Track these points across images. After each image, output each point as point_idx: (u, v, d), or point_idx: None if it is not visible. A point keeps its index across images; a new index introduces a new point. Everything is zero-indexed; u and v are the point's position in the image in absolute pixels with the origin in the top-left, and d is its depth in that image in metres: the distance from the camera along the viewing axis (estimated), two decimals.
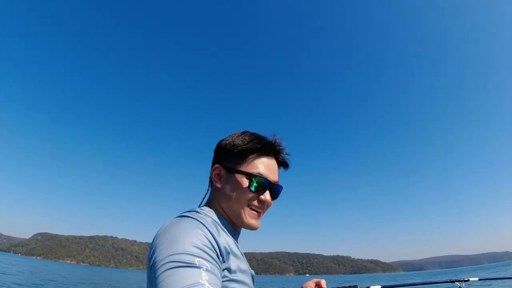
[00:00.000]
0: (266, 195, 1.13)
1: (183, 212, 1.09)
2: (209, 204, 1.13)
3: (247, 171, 1.13)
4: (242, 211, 1.13)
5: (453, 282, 1.65)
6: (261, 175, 1.13)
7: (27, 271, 36.36)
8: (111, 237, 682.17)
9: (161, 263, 0.95)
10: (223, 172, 1.14)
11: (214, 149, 1.20)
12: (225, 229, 1.08)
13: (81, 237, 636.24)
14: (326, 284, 1.21)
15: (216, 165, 1.14)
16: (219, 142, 1.17)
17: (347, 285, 1.34)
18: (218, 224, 1.07)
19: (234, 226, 1.13)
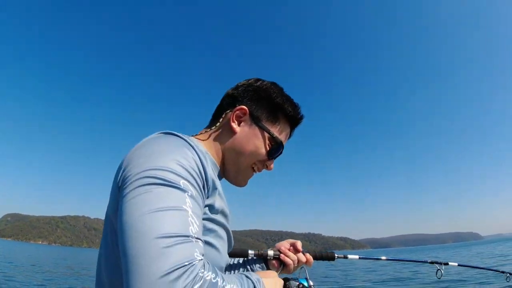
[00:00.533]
0: (272, 164, 1.07)
1: (158, 134, 0.87)
2: (208, 138, 1.01)
3: (274, 134, 1.03)
4: (245, 167, 1.03)
5: (432, 263, 1.53)
6: (282, 144, 1.04)
7: None
8: (83, 217, 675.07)
9: (134, 178, 0.70)
10: (246, 117, 1.02)
11: (243, 83, 1.07)
12: (213, 167, 0.93)
13: (52, 218, 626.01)
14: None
15: (243, 107, 1.00)
16: (256, 81, 1.07)
17: (324, 252, 1.27)
18: (207, 156, 0.92)
19: (222, 173, 1.03)
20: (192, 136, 1.02)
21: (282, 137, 1.06)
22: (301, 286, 1.00)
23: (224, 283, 0.67)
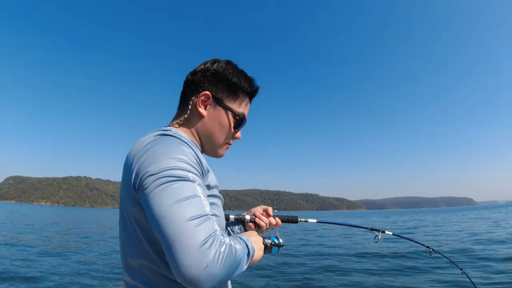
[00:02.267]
0: (240, 134, 1.23)
1: (158, 130, 1.04)
2: (183, 125, 1.15)
3: (236, 110, 1.16)
4: (219, 145, 1.19)
5: (372, 230, 1.82)
6: (245, 116, 1.19)
7: (2, 216, 37.39)
8: (85, 177, 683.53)
9: (153, 179, 0.86)
10: (210, 101, 1.13)
11: (201, 68, 1.17)
12: (199, 149, 1.05)
13: (54, 179, 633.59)
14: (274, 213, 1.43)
15: (206, 92, 1.12)
16: (212, 64, 1.17)
17: (290, 216, 1.50)
18: (195, 144, 1.04)
19: (202, 150, 1.19)
20: (169, 125, 1.17)
21: (243, 110, 1.20)
22: (273, 242, 1.22)
23: (234, 243, 0.89)
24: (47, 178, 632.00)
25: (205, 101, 1.13)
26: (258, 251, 1.08)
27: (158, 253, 0.94)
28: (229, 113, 1.16)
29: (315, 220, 1.62)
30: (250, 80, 1.21)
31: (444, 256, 2.16)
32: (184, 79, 1.21)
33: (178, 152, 0.92)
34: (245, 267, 0.94)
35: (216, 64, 1.18)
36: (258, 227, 1.41)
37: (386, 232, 1.84)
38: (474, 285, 2.27)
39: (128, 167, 0.97)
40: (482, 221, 26.43)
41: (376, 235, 1.77)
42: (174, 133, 1.00)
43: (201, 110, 1.13)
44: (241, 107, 1.20)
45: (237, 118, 1.18)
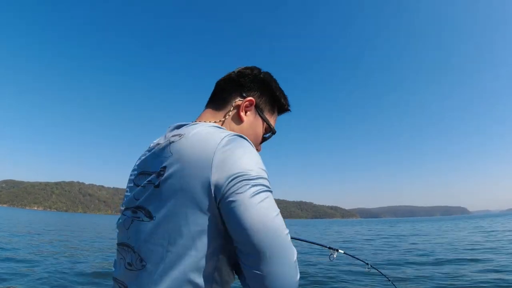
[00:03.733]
0: (261, 146, 1.22)
1: (214, 127, 0.95)
2: (224, 124, 1.10)
3: (271, 124, 1.18)
4: None
5: (330, 248, 1.91)
6: (275, 132, 1.21)
7: None
8: (78, 182, 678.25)
9: (250, 185, 0.82)
10: (252, 108, 1.12)
11: (248, 72, 1.15)
12: None
13: (47, 183, 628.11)
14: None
15: (252, 99, 1.11)
16: (259, 72, 1.16)
17: None
18: None
19: None
20: (206, 121, 1.09)
21: (274, 123, 1.22)
22: None
23: None
24: (40, 183, 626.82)
25: (248, 107, 1.12)
26: None
27: (211, 265, 0.86)
28: (265, 124, 1.16)
29: (293, 238, 1.64)
30: (287, 99, 1.24)
31: (381, 273, 2.40)
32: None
33: (258, 157, 0.90)
34: None
35: (263, 73, 1.18)
36: None
37: (340, 250, 1.99)
38: None
39: (200, 165, 0.84)
40: (471, 232, 26.65)
41: (331, 254, 1.94)
42: (247, 138, 0.94)
43: (243, 114, 1.11)
44: (273, 120, 1.21)
45: (270, 131, 1.19)
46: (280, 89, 1.21)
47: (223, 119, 1.10)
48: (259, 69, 1.19)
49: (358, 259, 2.35)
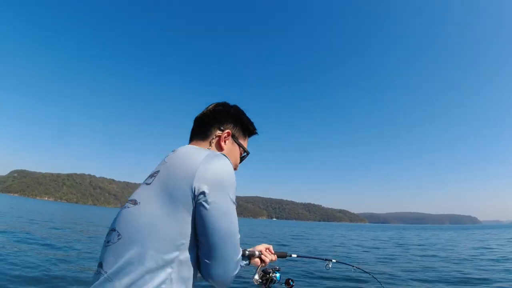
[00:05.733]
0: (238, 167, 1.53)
1: (206, 150, 1.23)
2: (207, 146, 1.38)
3: (245, 147, 1.49)
4: None
5: (326, 260, 2.22)
6: (248, 153, 1.53)
7: (6, 208, 37.51)
8: (89, 175, 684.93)
9: (222, 195, 1.09)
10: (229, 137, 1.41)
11: (220, 108, 1.44)
12: None
13: (58, 175, 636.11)
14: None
15: (229, 131, 1.41)
16: (230, 108, 1.47)
17: (282, 252, 1.92)
18: None
19: None
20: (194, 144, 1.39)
21: (246, 145, 1.52)
22: (274, 275, 1.75)
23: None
24: (51, 174, 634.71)
25: (226, 137, 1.40)
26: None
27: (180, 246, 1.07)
28: (240, 148, 1.47)
29: (295, 255, 2.01)
30: (253, 125, 1.55)
31: (363, 270, 2.60)
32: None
33: (234, 174, 1.15)
34: None
35: (233, 108, 1.48)
36: (262, 262, 1.74)
37: (333, 260, 2.26)
38: None
39: (183, 176, 1.08)
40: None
41: (327, 264, 2.21)
42: (225, 155, 1.22)
43: (223, 144, 1.39)
44: (246, 143, 1.52)
45: (245, 153, 1.51)
46: (247, 118, 1.52)
47: (209, 147, 1.38)
48: (228, 105, 1.48)
49: (345, 263, 2.59)
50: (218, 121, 1.41)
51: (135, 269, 1.00)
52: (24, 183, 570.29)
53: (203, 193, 1.05)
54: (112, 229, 1.12)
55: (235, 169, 1.47)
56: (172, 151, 1.26)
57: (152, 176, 1.17)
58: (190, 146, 1.28)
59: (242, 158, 1.52)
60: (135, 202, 1.11)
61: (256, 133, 1.57)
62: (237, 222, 1.13)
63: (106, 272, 1.02)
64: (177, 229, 1.05)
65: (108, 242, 1.09)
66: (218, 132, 1.39)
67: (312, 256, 2.32)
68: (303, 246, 20.36)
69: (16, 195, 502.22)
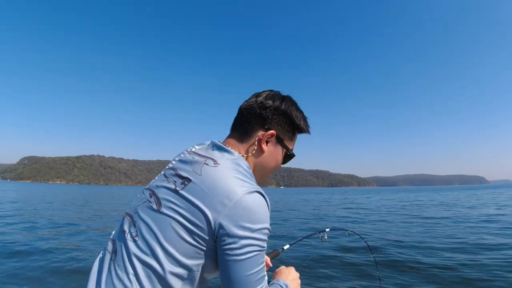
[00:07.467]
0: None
1: (233, 163, 1.07)
2: (245, 156, 1.19)
3: (290, 149, 1.27)
4: (268, 176, 1.30)
5: (319, 232, 2.10)
6: (294, 156, 1.31)
7: (21, 196, 36.25)
8: (98, 156, 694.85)
9: (250, 238, 0.94)
10: (273, 139, 1.21)
11: (270, 104, 1.21)
12: None
13: (68, 158, 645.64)
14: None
15: (273, 132, 1.19)
16: (281, 103, 1.23)
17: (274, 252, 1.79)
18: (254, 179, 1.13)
19: None
20: (231, 149, 1.17)
21: (293, 146, 1.31)
22: None
23: None
24: (61, 158, 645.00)
25: (269, 138, 1.20)
26: (297, 286, 1.27)
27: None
28: (284, 150, 1.26)
29: (288, 245, 1.96)
30: (307, 122, 1.31)
31: (354, 233, 2.50)
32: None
33: (267, 219, 0.99)
34: None
35: (284, 103, 1.24)
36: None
37: (326, 230, 2.16)
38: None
39: (209, 197, 0.96)
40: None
41: (322, 236, 2.11)
42: (257, 188, 1.02)
43: (264, 146, 1.20)
44: (293, 144, 1.30)
45: (289, 157, 1.31)
46: (299, 115, 1.27)
47: (247, 155, 1.20)
48: (280, 98, 1.25)
49: (340, 229, 2.51)
50: (264, 118, 1.21)
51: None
52: (35, 169, 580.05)
53: (230, 234, 0.94)
54: (131, 216, 1.07)
55: (272, 171, 1.30)
56: (215, 147, 1.15)
57: (183, 183, 1.02)
58: (232, 163, 1.07)
59: (286, 159, 1.31)
60: (159, 205, 1.01)
61: (308, 132, 1.33)
62: (263, 270, 1.00)
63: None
64: (190, 251, 0.97)
65: (124, 232, 1.05)
66: (261, 133, 1.20)
67: (304, 236, 2.22)
68: (306, 209, 20.82)
69: (28, 181, 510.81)
